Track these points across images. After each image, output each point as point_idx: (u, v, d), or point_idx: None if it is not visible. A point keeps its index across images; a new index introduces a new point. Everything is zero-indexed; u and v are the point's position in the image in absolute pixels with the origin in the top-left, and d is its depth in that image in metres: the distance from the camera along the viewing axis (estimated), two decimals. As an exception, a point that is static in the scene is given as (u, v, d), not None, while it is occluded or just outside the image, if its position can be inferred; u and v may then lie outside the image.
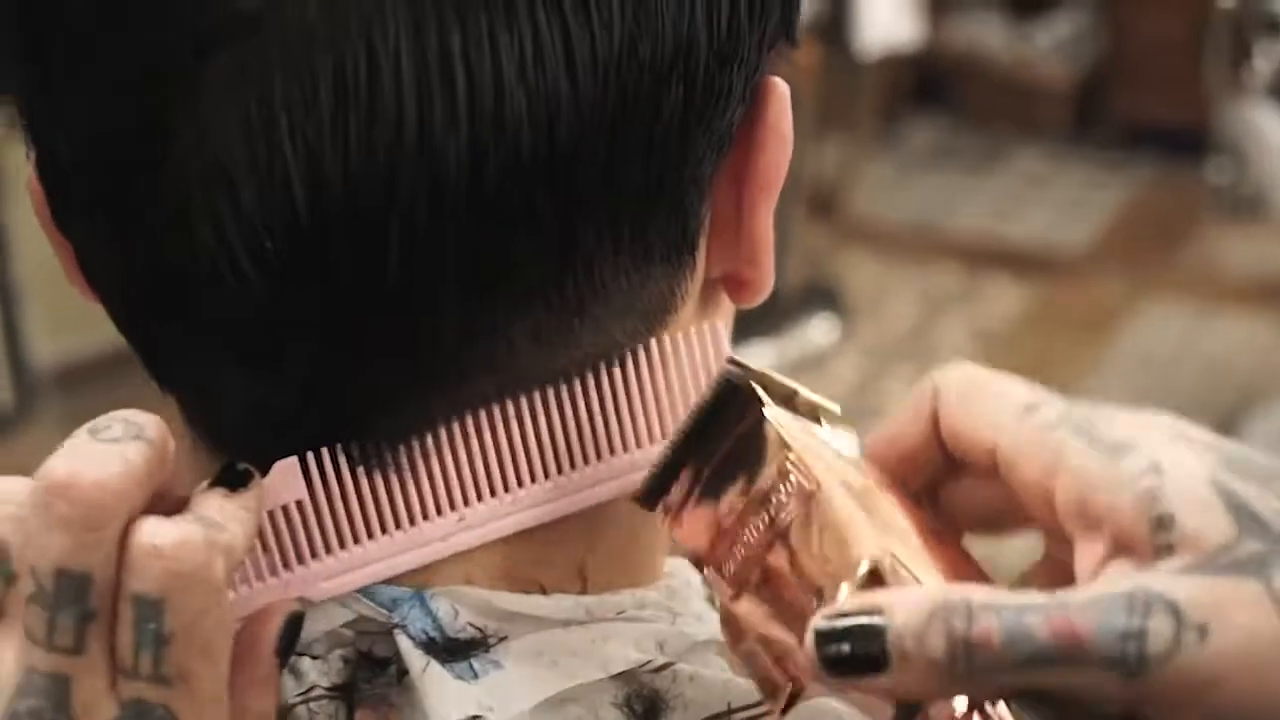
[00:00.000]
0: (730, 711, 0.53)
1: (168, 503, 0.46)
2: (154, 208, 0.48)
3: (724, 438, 0.50)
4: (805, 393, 0.51)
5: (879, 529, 0.46)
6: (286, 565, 0.50)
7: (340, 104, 0.46)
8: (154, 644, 0.44)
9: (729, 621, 0.49)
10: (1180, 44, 3.83)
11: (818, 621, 0.44)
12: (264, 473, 0.49)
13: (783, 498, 0.48)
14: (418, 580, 0.52)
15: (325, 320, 0.48)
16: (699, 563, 0.50)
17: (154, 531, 0.44)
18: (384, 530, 0.51)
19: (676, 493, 0.50)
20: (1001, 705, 0.45)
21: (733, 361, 0.51)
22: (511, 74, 0.46)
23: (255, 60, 0.46)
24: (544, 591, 0.53)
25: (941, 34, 4.15)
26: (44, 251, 0.53)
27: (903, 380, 3.32)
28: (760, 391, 0.50)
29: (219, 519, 0.46)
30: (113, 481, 0.44)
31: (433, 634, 0.51)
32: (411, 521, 0.51)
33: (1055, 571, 0.47)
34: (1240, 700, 0.42)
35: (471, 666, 0.51)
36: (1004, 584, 0.46)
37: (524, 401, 0.51)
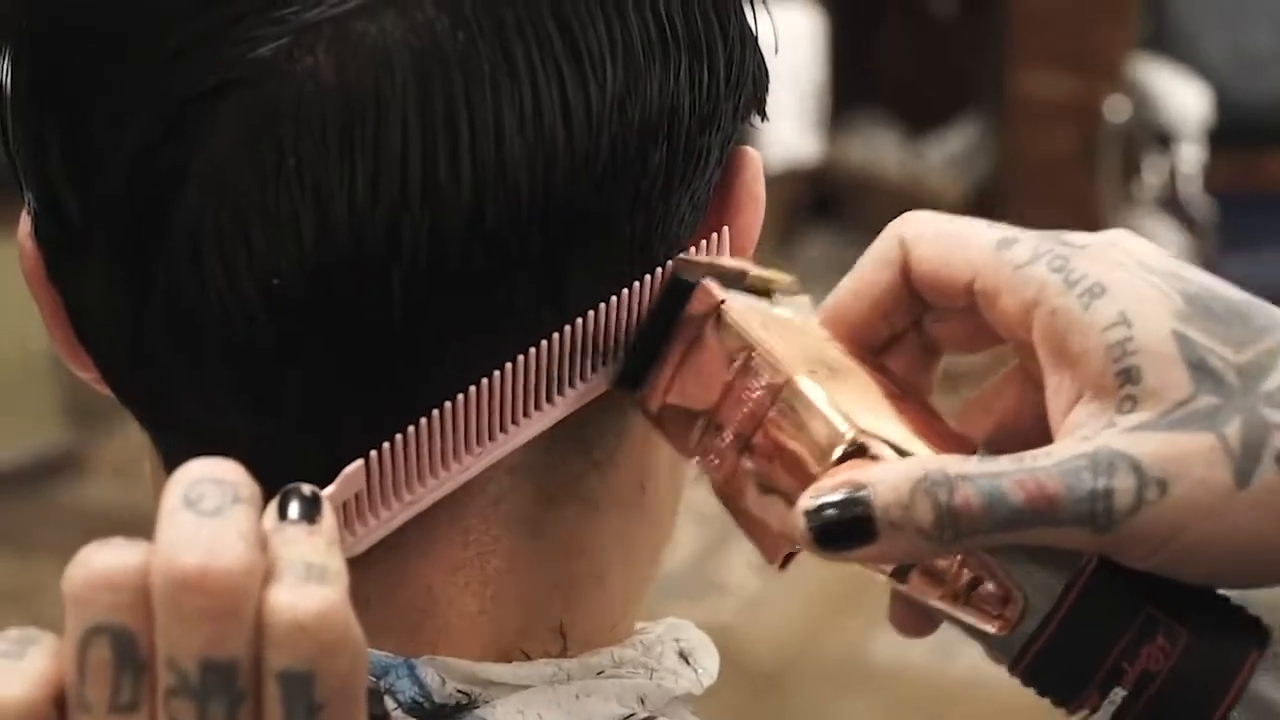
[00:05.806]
0: None
1: None
2: (166, 247, 0.49)
3: (685, 339, 0.52)
4: (754, 270, 0.54)
5: (852, 404, 0.50)
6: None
7: (347, 148, 0.48)
8: (306, 715, 0.41)
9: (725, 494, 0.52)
10: (1069, 159, 3.90)
11: (804, 501, 0.48)
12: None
13: (755, 393, 0.51)
14: (405, 650, 0.53)
15: (329, 359, 0.49)
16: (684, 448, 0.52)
17: (293, 605, 0.41)
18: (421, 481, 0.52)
19: (654, 382, 0.53)
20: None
21: (682, 261, 0.53)
22: (512, 124, 0.49)
23: (266, 104, 0.48)
24: (528, 658, 0.54)
25: (837, 150, 4.20)
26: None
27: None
28: (715, 287, 0.52)
29: (332, 564, 0.42)
30: (241, 562, 0.40)
31: (420, 700, 0.52)
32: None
33: (1025, 380, 0.52)
34: (1199, 544, 0.46)
35: None
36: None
37: None
